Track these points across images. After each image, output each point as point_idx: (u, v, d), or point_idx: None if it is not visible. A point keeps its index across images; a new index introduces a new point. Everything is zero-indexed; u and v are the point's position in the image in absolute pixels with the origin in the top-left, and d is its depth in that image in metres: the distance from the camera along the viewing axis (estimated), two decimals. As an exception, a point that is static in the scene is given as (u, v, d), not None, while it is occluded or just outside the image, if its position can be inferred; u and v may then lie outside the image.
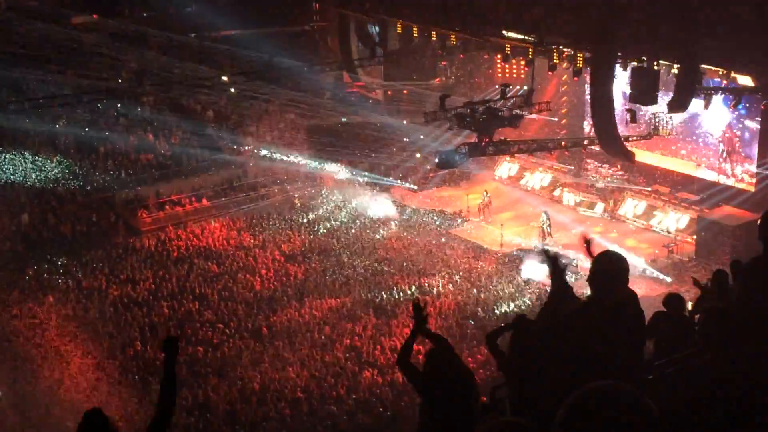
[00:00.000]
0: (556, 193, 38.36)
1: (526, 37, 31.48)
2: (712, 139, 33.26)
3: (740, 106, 29.95)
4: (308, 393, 21.75)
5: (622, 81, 30.72)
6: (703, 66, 26.87)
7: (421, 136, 39.52)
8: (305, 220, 35.28)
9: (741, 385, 4.53)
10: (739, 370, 4.71)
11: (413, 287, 28.51)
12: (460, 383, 6.61)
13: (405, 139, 40.94)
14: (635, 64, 27.53)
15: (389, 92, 43.93)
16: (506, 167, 41.15)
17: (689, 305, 11.65)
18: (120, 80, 39.15)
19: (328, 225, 34.88)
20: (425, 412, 6.80)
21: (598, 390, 2.55)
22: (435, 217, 36.13)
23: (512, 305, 27.01)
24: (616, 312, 5.42)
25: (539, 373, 5.97)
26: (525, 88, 33.55)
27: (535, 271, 28.89)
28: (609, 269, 5.46)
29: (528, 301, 27.25)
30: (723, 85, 29.22)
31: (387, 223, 35.39)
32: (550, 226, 33.17)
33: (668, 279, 28.92)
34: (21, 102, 32.69)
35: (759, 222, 5.99)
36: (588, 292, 5.65)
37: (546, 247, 7.43)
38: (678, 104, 26.55)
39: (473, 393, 6.75)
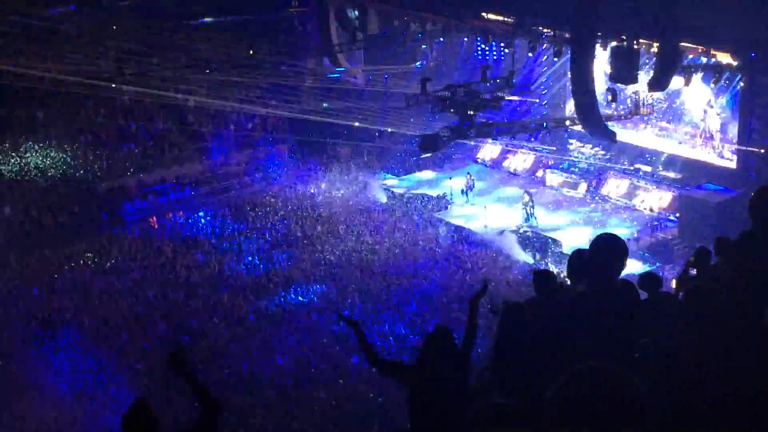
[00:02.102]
0: (539, 173, 38.44)
1: (505, 19, 31.47)
2: (693, 117, 33.37)
3: (720, 84, 30.06)
4: (296, 380, 21.79)
5: (602, 60, 30.77)
6: (683, 44, 26.94)
7: (403, 120, 39.45)
8: (290, 206, 35.20)
9: (725, 363, 4.58)
10: (723, 347, 4.75)
11: (399, 271, 28.59)
12: (455, 368, 6.67)
13: (386, 123, 40.87)
14: (615, 43, 27.57)
15: (370, 77, 43.82)
16: (488, 149, 41.17)
17: (673, 283, 11.73)
18: (99, 70, 38.85)
19: (313, 210, 34.82)
20: (417, 399, 6.83)
21: (587, 370, 2.57)
22: (419, 201, 36.13)
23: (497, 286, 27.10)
24: (613, 296, 5.42)
25: (528, 355, 6.01)
26: (506, 69, 33.57)
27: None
28: (607, 252, 5.42)
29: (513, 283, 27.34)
30: (703, 63, 29.32)
31: (372, 207, 35.37)
32: (533, 206, 33.28)
33: (652, 258, 29.08)
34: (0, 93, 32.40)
35: (750, 200, 6.00)
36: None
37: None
38: (658, 83, 26.62)
39: (466, 376, 6.83)
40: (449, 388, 6.52)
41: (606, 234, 5.69)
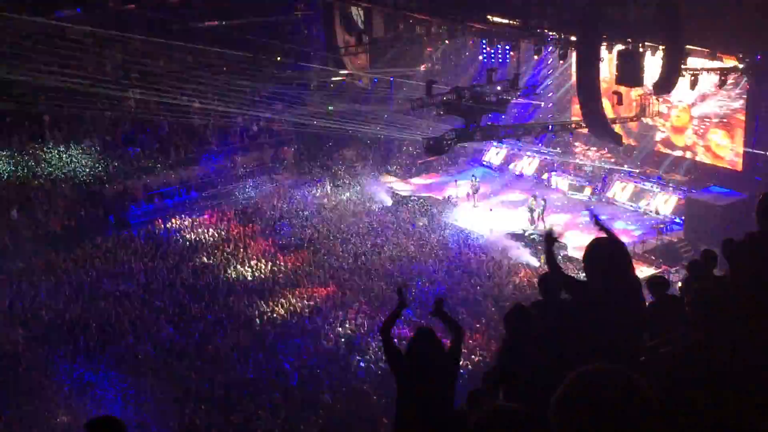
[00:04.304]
0: (544, 176, 38.41)
1: (511, 22, 31.44)
2: (699, 120, 33.34)
3: (726, 86, 29.97)
4: (301, 382, 21.78)
5: (608, 63, 30.73)
6: (688, 47, 26.87)
7: (409, 123, 39.44)
8: (295, 209, 35.20)
9: (731, 365, 4.56)
10: (730, 349, 4.74)
11: (404, 274, 28.55)
12: (440, 367, 6.70)
13: (392, 126, 40.85)
14: (621, 46, 27.52)
15: (375, 79, 43.83)
16: (494, 152, 41.15)
17: (679, 285, 11.71)
18: (105, 73, 38.91)
19: (318, 213, 34.83)
20: (402, 393, 6.87)
21: (592, 372, 2.57)
22: (424, 204, 36.11)
23: (503, 290, 27.07)
24: (611, 298, 5.43)
25: (533, 358, 6.00)
26: (511, 72, 33.55)
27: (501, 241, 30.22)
28: (601, 256, 5.46)
29: (520, 286, 27.31)
30: (709, 65, 29.25)
31: (377, 210, 35.37)
32: (544, 210, 33.25)
33: (658, 260, 29.02)
34: (6, 96, 32.43)
35: (757, 205, 5.97)
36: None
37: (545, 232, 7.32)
38: (664, 85, 26.55)
39: (452, 377, 6.84)
40: (432, 388, 6.55)
41: (600, 238, 5.71)
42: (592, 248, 5.53)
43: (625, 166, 36.11)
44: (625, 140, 34.32)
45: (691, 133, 33.85)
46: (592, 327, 5.44)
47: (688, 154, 33.95)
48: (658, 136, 35.04)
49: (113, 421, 5.42)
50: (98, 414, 20.87)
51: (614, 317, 5.44)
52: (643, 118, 32.91)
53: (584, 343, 5.33)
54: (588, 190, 36.16)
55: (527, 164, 39.71)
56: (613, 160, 36.49)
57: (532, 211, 33.41)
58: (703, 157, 33.47)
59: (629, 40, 27.03)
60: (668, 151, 34.89)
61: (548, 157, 39.18)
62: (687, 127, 33.88)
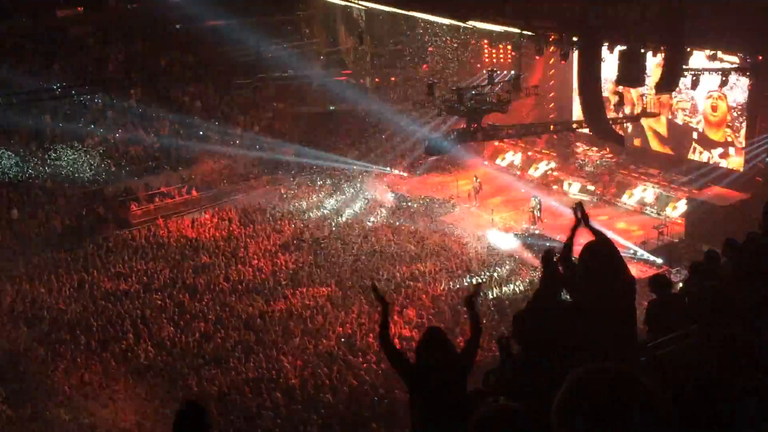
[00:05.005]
0: (546, 177, 38.37)
1: (512, 21, 31.40)
2: (701, 121, 33.30)
3: (727, 86, 29.95)
4: (302, 381, 21.75)
5: (609, 63, 30.68)
6: (690, 46, 26.86)
7: (410, 123, 39.44)
8: (296, 209, 35.19)
9: (734, 363, 4.55)
10: (732, 347, 4.73)
11: (405, 274, 28.53)
12: (453, 370, 6.64)
13: (393, 126, 40.85)
14: (622, 46, 27.51)
15: (377, 79, 43.86)
16: (496, 152, 41.13)
17: (680, 285, 11.70)
18: (107, 73, 38.94)
19: (319, 213, 34.84)
20: (417, 402, 6.80)
21: (595, 371, 2.55)
22: (425, 204, 36.07)
23: (504, 290, 27.08)
24: (606, 298, 5.43)
25: (534, 357, 5.99)
26: (513, 72, 33.53)
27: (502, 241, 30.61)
28: (594, 260, 5.47)
29: (521, 286, 27.27)
30: (710, 65, 29.24)
31: (377, 210, 35.35)
32: (540, 210, 33.22)
33: (659, 261, 28.99)
34: (7, 96, 32.47)
35: (765, 204, 5.99)
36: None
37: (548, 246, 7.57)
38: (666, 85, 26.52)
39: (464, 378, 6.79)
40: (446, 391, 6.49)
41: (594, 242, 5.73)
42: (587, 251, 5.55)
43: (626, 165, 36.07)
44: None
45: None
46: (586, 328, 5.44)
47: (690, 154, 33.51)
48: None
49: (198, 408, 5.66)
50: (100, 413, 20.94)
51: (607, 318, 5.44)
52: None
53: (579, 343, 5.34)
54: (589, 190, 36.11)
55: (528, 164, 39.67)
56: (614, 160, 36.45)
57: (532, 211, 33.40)
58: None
59: (631, 39, 27.01)
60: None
61: (549, 157, 39.15)
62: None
